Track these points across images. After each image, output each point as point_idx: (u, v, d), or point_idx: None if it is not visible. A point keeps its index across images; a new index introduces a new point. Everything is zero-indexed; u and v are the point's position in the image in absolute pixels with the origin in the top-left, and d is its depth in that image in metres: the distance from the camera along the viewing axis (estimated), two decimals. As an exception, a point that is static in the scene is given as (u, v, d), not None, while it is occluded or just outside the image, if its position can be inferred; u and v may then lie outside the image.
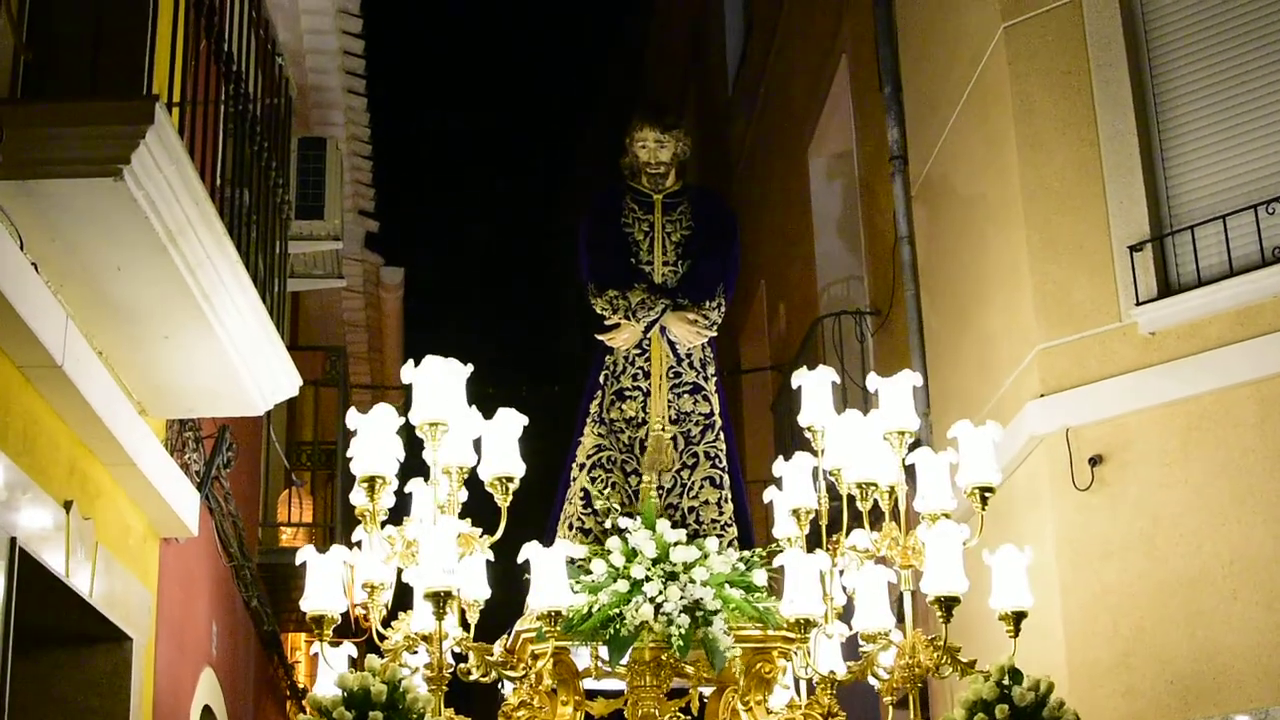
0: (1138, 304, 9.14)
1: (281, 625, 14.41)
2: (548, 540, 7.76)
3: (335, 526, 14.02)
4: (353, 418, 7.36)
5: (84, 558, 7.36)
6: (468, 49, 29.15)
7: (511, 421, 7.58)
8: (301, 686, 16.44)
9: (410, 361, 7.46)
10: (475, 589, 7.85)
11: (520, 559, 7.49)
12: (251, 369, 7.91)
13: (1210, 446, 8.85)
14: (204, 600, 10.59)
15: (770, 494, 8.49)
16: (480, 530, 7.57)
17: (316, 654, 7.76)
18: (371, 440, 7.31)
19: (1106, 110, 9.54)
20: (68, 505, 7.15)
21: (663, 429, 8.88)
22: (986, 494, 7.75)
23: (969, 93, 10.60)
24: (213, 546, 10.90)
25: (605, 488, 8.77)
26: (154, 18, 6.54)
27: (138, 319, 7.16)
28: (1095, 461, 9.17)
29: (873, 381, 8.08)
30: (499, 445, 7.55)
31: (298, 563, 7.69)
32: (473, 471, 7.59)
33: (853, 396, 12.45)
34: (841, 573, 8.03)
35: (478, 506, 7.72)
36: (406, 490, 7.87)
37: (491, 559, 7.87)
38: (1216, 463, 8.80)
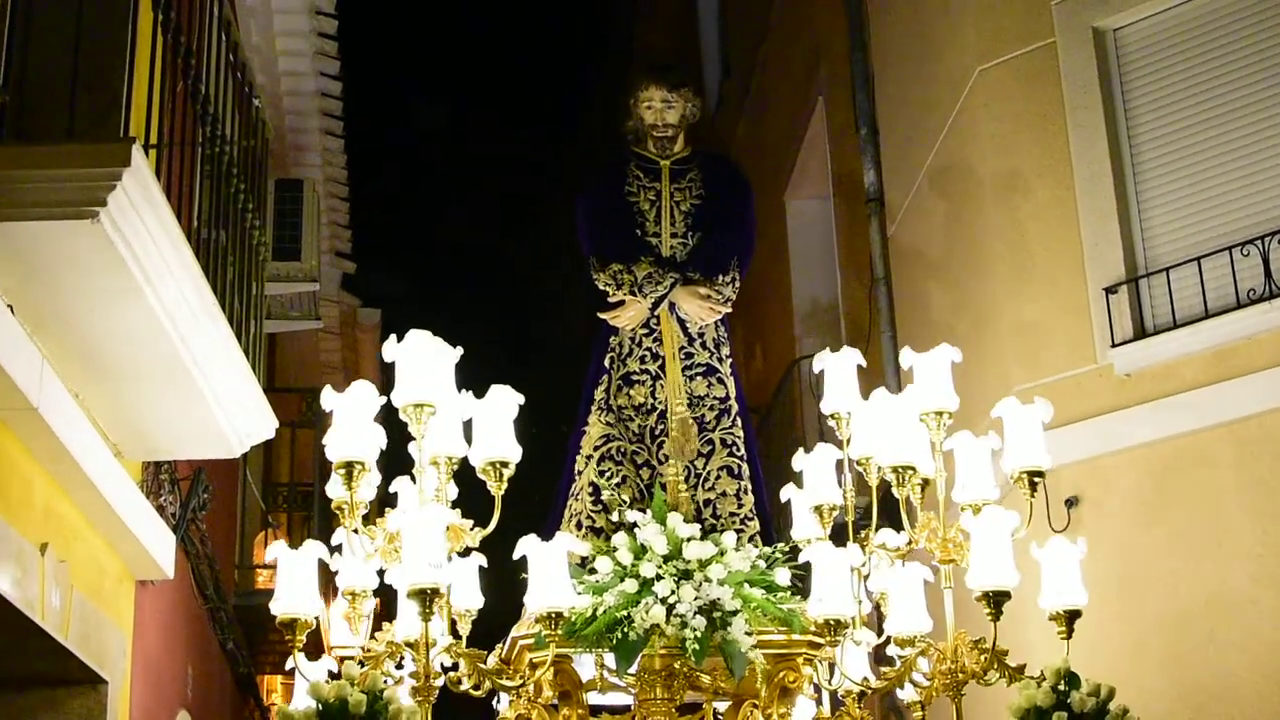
0: (1113, 346, 9.17)
1: (258, 667, 14.38)
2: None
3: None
4: (328, 397, 6.68)
5: (59, 600, 7.33)
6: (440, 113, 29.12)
7: (506, 400, 6.84)
8: (278, 729, 16.37)
9: (392, 337, 6.71)
10: (467, 597, 7.35)
11: (516, 556, 6.69)
12: (227, 411, 7.89)
13: (1186, 488, 8.87)
14: (179, 643, 10.55)
15: (788, 492, 7.85)
16: (472, 523, 6.76)
17: (292, 669, 7.03)
18: (349, 422, 6.58)
19: (1081, 153, 9.58)
20: (43, 548, 7.12)
21: (685, 411, 8.14)
22: (1036, 479, 7.04)
23: (945, 135, 10.63)
24: (188, 589, 10.86)
25: (616, 480, 7.98)
26: (131, 60, 6.54)
27: (114, 361, 7.14)
28: (1071, 503, 9.19)
29: (907, 357, 7.34)
30: (492, 427, 6.79)
31: (267, 559, 7.12)
32: (464, 464, 6.85)
33: (830, 435, 12.46)
34: (867, 576, 7.43)
35: (470, 510, 6.88)
36: (391, 490, 7.21)
37: (484, 564, 7.36)
38: (1193, 504, 8.81)
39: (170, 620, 10.16)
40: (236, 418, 8.04)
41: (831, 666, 7.38)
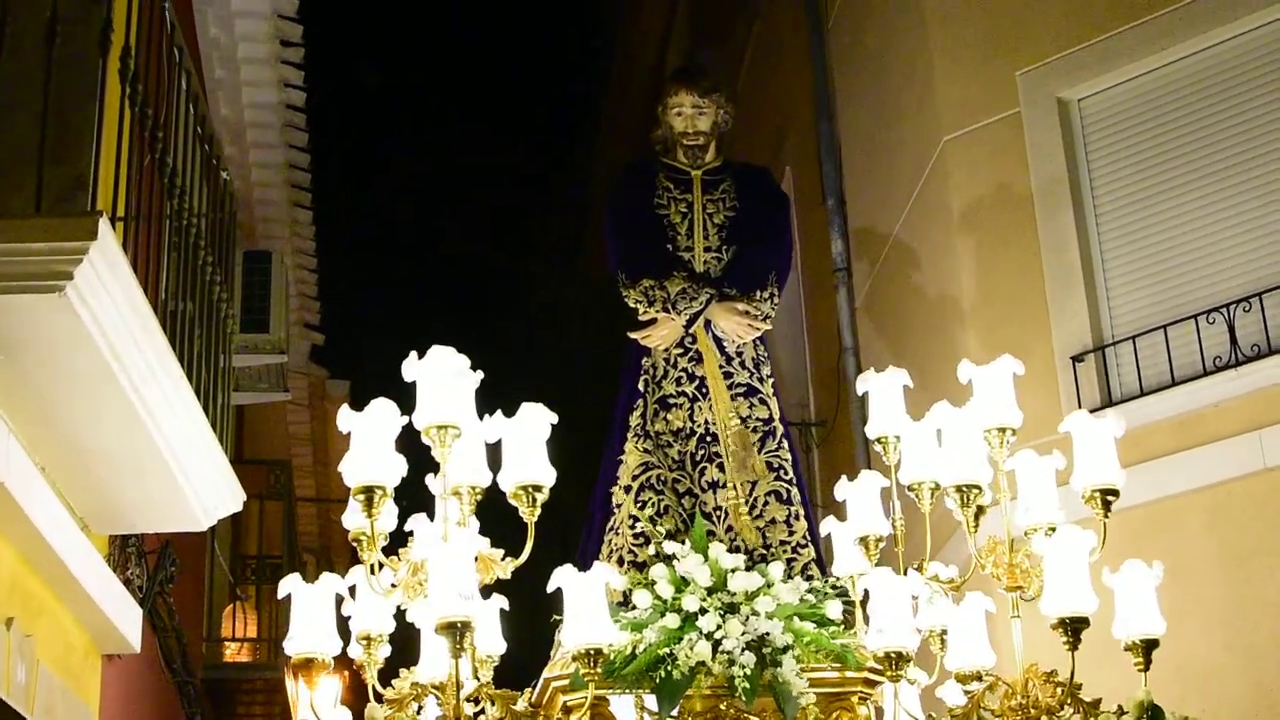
0: (1081, 414, 9.18)
1: (226, 741, 14.30)
2: None
3: (281, 640, 13.97)
4: (345, 417, 6.01)
5: (24, 675, 7.28)
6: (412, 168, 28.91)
7: (538, 419, 6.20)
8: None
9: (414, 354, 6.05)
10: (489, 642, 6.87)
11: (551, 589, 6.15)
12: (194, 484, 7.86)
13: (1155, 556, 8.82)
14: (147, 717, 10.48)
15: (829, 525, 7.18)
16: (502, 553, 6.20)
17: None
18: (368, 444, 5.93)
19: (1047, 221, 9.62)
20: (9, 622, 7.08)
21: (738, 424, 7.76)
22: (1110, 498, 6.52)
23: (911, 205, 10.67)
24: (156, 663, 10.81)
25: (656, 512, 7.58)
26: (99, 134, 6.54)
27: (80, 434, 7.12)
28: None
29: (965, 370, 6.79)
30: (523, 448, 6.14)
31: (280, 595, 6.46)
32: (485, 495, 6.23)
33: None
34: (915, 613, 6.77)
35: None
36: (406, 529, 6.48)
37: (506, 606, 6.90)
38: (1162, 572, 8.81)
39: (137, 694, 10.09)
40: (204, 490, 8.01)
41: (879, 711, 6.96)
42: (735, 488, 7.75)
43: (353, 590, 6.61)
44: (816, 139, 12.43)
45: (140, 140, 7.29)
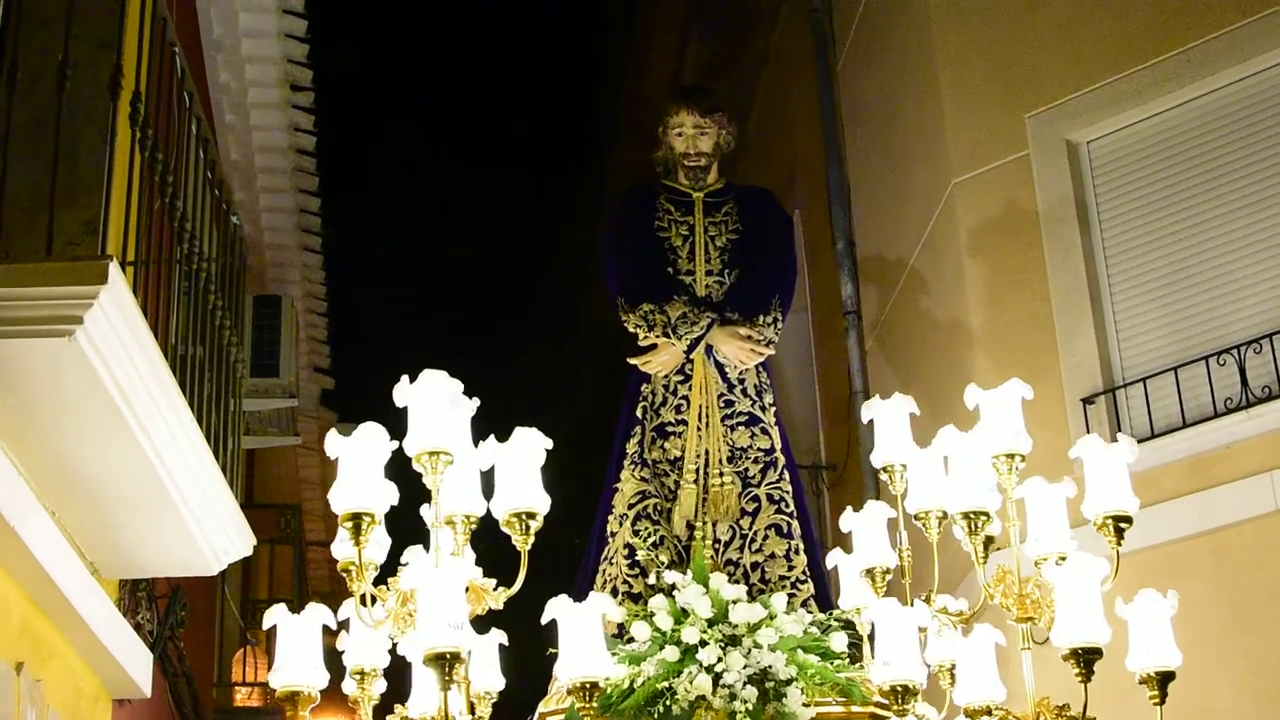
0: (1091, 456, 9.17)
1: (236, 786, 14.27)
2: None
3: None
4: (333, 442, 5.77)
5: (34, 720, 7.27)
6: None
7: (531, 444, 5.93)
8: None
9: (405, 378, 5.81)
10: (487, 677, 6.62)
11: (545, 620, 5.95)
12: (205, 529, 7.85)
13: (1165, 598, 8.85)
14: (156, 762, 10.46)
15: (835, 558, 7.01)
16: (495, 582, 5.90)
17: None
18: (356, 470, 5.70)
19: (1057, 264, 9.62)
20: (19, 667, 7.06)
21: (696, 479, 7.59)
22: (1122, 525, 6.36)
23: (921, 248, 10.67)
24: (166, 707, 10.78)
25: (653, 540, 7.43)
26: (109, 178, 6.56)
27: (90, 478, 7.11)
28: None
29: (972, 395, 6.62)
30: (516, 473, 5.89)
31: (265, 626, 6.31)
32: (480, 524, 6.00)
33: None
34: (924, 647, 6.57)
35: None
36: (402, 561, 6.12)
37: (505, 642, 6.65)
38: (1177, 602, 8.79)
39: (147, 739, 10.08)
40: (214, 535, 8.00)
41: None
42: (705, 529, 7.61)
43: (345, 624, 6.45)
44: (826, 182, 12.43)
45: (150, 185, 7.30)
